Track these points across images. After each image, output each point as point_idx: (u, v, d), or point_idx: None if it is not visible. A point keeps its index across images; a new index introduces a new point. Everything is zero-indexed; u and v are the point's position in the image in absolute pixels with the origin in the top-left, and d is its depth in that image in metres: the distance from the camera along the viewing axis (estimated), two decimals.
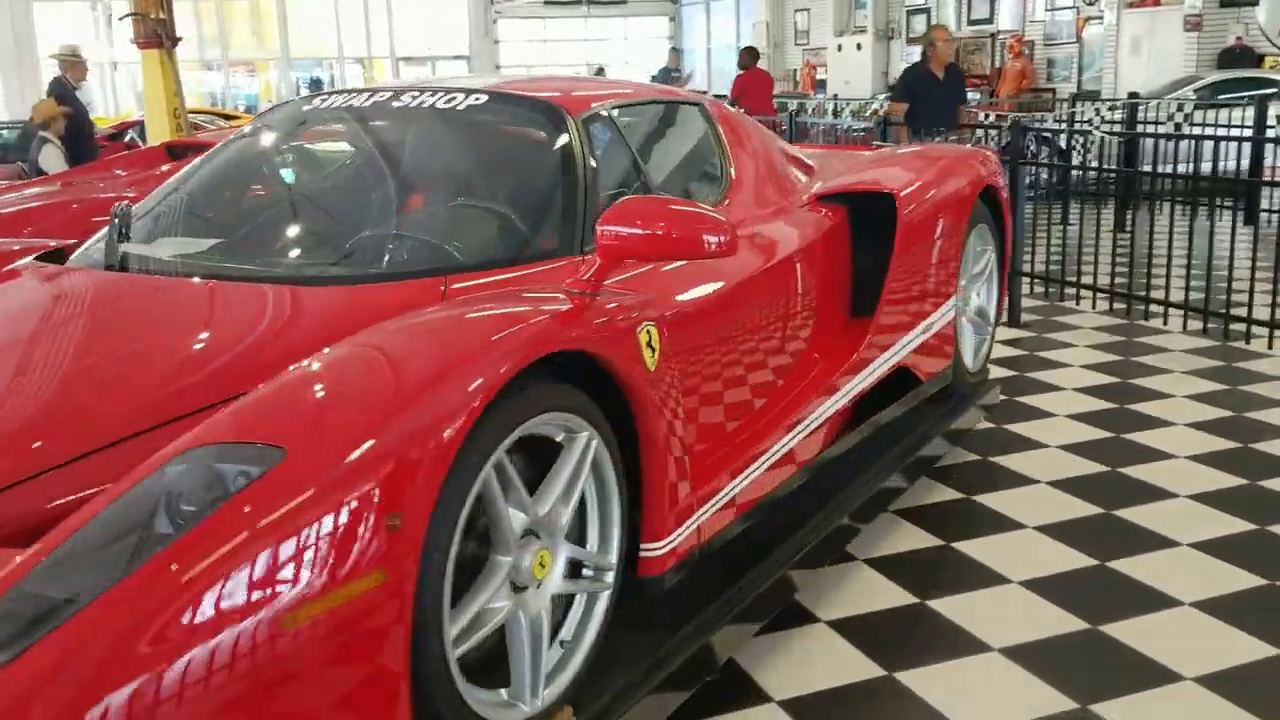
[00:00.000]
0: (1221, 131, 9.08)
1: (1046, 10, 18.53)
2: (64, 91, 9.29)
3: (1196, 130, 9.47)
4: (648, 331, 2.22)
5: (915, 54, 23.29)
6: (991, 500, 3.85)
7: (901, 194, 3.69)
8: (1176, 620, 3.04)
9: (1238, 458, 4.19)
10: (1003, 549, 3.49)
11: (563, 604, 2.24)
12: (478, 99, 2.84)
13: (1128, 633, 2.97)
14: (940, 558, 3.45)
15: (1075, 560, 3.40)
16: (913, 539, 3.57)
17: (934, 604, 3.15)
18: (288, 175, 2.90)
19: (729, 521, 2.73)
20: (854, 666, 2.85)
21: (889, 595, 3.20)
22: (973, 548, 3.50)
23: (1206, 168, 8.71)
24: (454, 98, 2.85)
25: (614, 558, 2.29)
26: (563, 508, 2.15)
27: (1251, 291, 5.77)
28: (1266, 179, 7.92)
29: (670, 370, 2.33)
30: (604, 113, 2.87)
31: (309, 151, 3.01)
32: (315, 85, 30.16)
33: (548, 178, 2.65)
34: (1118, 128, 9.84)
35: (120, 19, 8.71)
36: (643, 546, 2.35)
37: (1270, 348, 5.55)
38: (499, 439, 1.90)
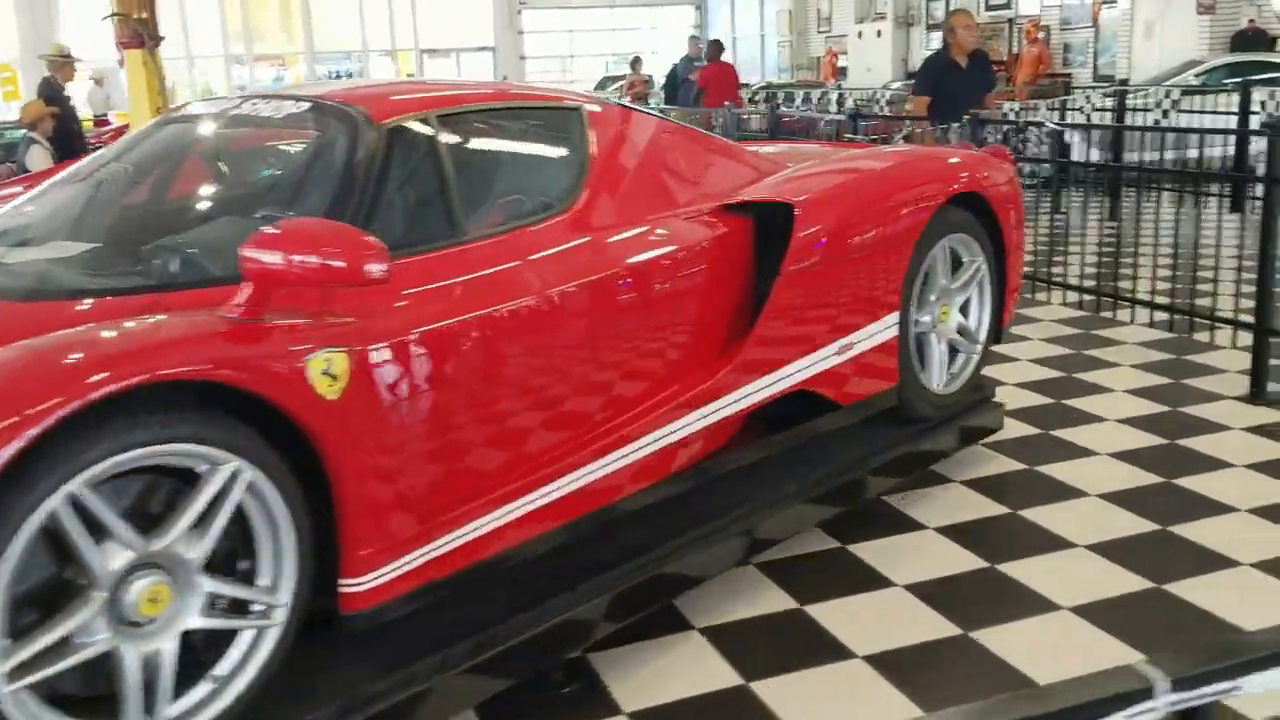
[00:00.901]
0: (1210, 120, 8.87)
1: None
2: (52, 92, 9.41)
3: (1183, 119, 9.28)
4: (327, 359, 2.12)
5: (936, 41, 23.16)
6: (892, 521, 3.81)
7: (802, 206, 3.32)
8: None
9: (1160, 454, 4.13)
10: (898, 549, 3.47)
11: (226, 637, 2.16)
12: (296, 106, 2.82)
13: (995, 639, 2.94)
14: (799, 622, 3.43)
15: (967, 562, 3.37)
16: (769, 602, 3.20)
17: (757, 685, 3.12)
18: (96, 185, 2.91)
19: (480, 558, 2.52)
20: None
21: (713, 674, 2.91)
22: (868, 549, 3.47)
23: (1212, 154, 8.59)
24: (281, 105, 2.84)
25: (286, 595, 2.17)
26: (197, 542, 2.06)
27: (1217, 284, 5.67)
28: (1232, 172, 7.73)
29: (375, 400, 2.23)
30: (414, 122, 2.74)
31: (134, 160, 3.01)
32: (335, 79, 30.35)
33: (319, 190, 2.56)
34: (1108, 117, 9.65)
35: (103, 19, 8.79)
36: (341, 582, 2.24)
37: (1225, 341, 5.44)
38: (72, 471, 1.84)
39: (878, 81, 19.97)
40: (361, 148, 2.57)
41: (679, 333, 3.09)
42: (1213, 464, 4.01)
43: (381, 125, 2.64)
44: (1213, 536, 3.45)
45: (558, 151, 3.21)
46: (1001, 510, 3.73)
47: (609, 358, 2.88)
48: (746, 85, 22.17)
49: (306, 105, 2.83)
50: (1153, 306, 5.68)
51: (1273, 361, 4.72)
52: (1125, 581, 3.21)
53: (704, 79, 13.45)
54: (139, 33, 8.49)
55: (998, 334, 4.06)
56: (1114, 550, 3.40)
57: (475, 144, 3.05)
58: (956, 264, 3.85)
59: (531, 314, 2.67)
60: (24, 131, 9.14)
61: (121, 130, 14.27)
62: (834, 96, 14.27)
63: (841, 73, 24.50)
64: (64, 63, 9.61)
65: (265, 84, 31.56)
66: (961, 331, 3.90)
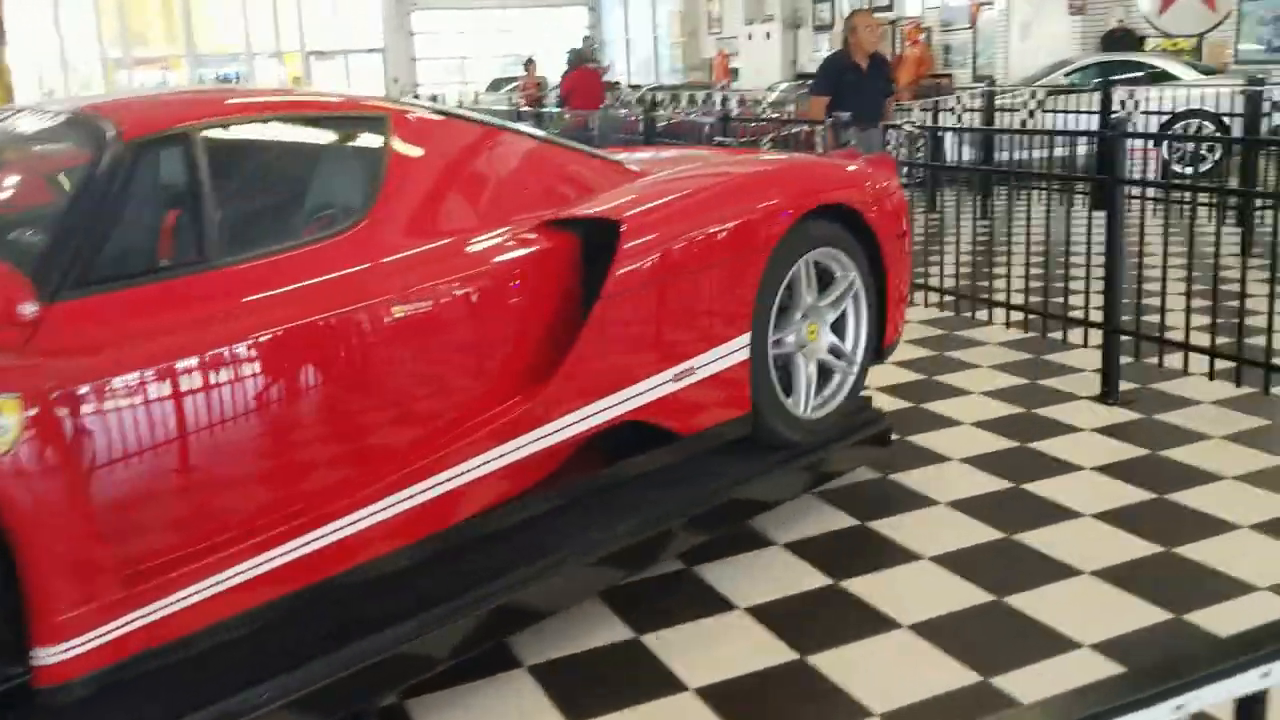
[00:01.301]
0: (1074, 121, 9.01)
1: None
2: None
3: (1049, 120, 9.44)
4: None
5: (824, 42, 23.40)
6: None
7: (629, 222, 3.04)
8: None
9: (1014, 456, 4.10)
10: (746, 569, 3.35)
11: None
12: (50, 119, 2.60)
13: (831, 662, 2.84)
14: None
15: (812, 580, 3.27)
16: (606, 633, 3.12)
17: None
18: None
19: (210, 622, 2.29)
20: None
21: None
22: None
23: (1080, 153, 8.69)
24: (37, 117, 2.61)
25: None
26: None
27: (1068, 283, 5.70)
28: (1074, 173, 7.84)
29: (61, 451, 2.03)
30: (171, 136, 2.48)
31: None
32: (223, 82, 29.51)
33: (51, 213, 2.36)
34: (979, 118, 9.76)
35: None
36: (33, 652, 2.03)
37: (1076, 341, 5.47)
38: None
39: (769, 83, 20.08)
40: (103, 166, 2.34)
41: (472, 365, 2.84)
42: (1063, 467, 3.99)
43: (131, 141, 2.39)
44: (1058, 544, 3.40)
45: (348, 164, 2.96)
46: (851, 523, 3.64)
47: (378, 394, 2.60)
48: (637, 87, 22.17)
49: (61, 118, 2.59)
50: (1009, 307, 5.67)
51: (1128, 360, 4.74)
52: (968, 595, 3.14)
53: (567, 87, 13.70)
54: None
55: (881, 351, 3.82)
56: (958, 562, 3.33)
57: (245, 159, 2.80)
58: (829, 279, 3.62)
59: (275, 347, 2.40)
60: None
61: None
62: (718, 99, 14.23)
63: (734, 74, 24.62)
64: None
65: (149, 88, 30.59)
66: (835, 351, 3.66)
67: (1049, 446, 4.19)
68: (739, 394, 3.33)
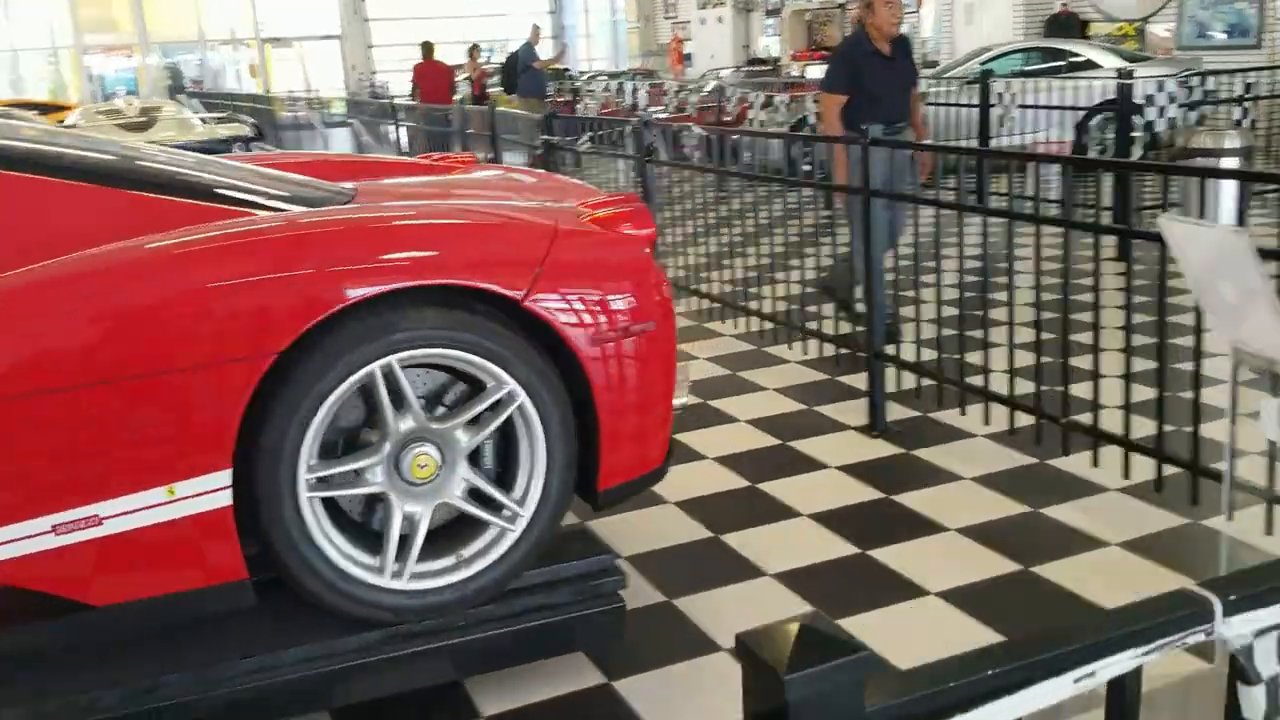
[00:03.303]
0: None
1: None
2: None
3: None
4: None
5: (773, 27, 22.91)
6: None
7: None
8: None
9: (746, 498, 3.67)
10: None
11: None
12: None
13: None
14: None
15: None
16: None
17: None
18: None
19: None
20: None
21: None
22: None
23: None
24: None
25: None
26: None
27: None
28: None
29: None
30: None
31: None
32: (174, 72, 29.10)
33: None
34: None
35: None
36: None
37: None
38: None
39: (720, 68, 19.55)
40: None
41: None
42: (791, 512, 3.56)
43: None
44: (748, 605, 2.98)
45: None
46: None
47: None
48: (585, 73, 21.66)
49: None
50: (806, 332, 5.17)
51: (910, 384, 4.31)
52: None
53: (417, 75, 14.08)
54: None
55: (595, 496, 2.67)
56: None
57: None
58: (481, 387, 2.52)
59: None
60: None
61: None
62: (629, 89, 13.68)
63: (687, 59, 24.14)
64: None
65: (113, 77, 30.14)
66: (474, 495, 2.54)
67: (789, 485, 3.76)
68: (216, 552, 2.35)
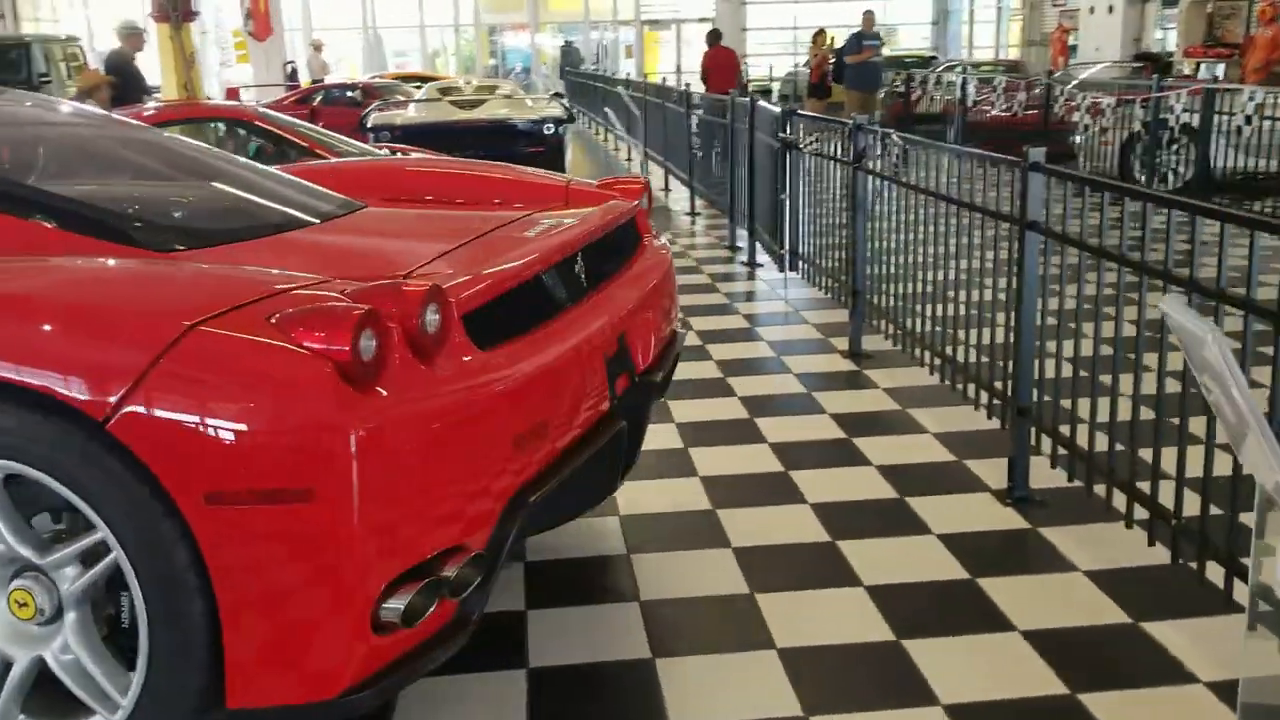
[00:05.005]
0: None
1: None
2: (120, 62, 9.95)
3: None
4: None
5: (1171, 19, 20.68)
6: None
7: None
8: None
9: None
10: None
11: None
12: None
13: None
14: None
15: None
16: None
17: None
18: None
19: None
20: None
21: None
22: None
23: None
24: None
25: None
26: None
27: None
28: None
29: None
30: None
31: None
32: (568, 49, 30.93)
33: None
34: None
35: None
36: None
37: None
38: None
39: (1108, 61, 17.94)
40: None
41: None
42: (852, 579, 3.21)
43: None
44: None
45: None
46: None
47: None
48: (936, 63, 20.63)
49: None
50: None
51: None
52: None
53: (707, 62, 14.36)
54: (165, 7, 8.78)
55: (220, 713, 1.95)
56: None
57: None
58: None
59: None
60: (83, 100, 9.72)
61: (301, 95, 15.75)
62: (957, 80, 12.83)
63: (1071, 51, 22.42)
64: (131, 34, 10.12)
65: (514, 53, 32.64)
66: (80, 670, 2.02)
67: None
68: None
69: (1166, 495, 3.07)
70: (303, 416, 1.84)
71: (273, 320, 1.91)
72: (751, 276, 7.46)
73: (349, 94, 16.70)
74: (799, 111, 6.64)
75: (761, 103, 7.30)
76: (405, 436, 1.94)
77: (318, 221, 2.91)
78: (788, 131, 6.40)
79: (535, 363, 2.31)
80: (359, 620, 1.89)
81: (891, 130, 5.13)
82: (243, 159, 3.40)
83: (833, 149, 5.79)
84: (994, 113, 11.94)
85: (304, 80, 21.45)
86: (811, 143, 5.95)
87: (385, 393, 1.93)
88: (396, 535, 1.94)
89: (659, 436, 4.31)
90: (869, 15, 14.48)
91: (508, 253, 2.61)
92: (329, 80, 21.06)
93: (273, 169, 3.44)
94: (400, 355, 1.99)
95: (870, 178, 5.22)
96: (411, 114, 11.15)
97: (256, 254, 2.49)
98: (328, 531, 1.86)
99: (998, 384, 4.00)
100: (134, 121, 3.44)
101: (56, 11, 27.82)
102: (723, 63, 14.27)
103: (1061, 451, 3.57)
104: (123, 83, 9.82)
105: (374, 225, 3.03)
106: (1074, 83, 12.38)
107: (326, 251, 2.64)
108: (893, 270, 5.14)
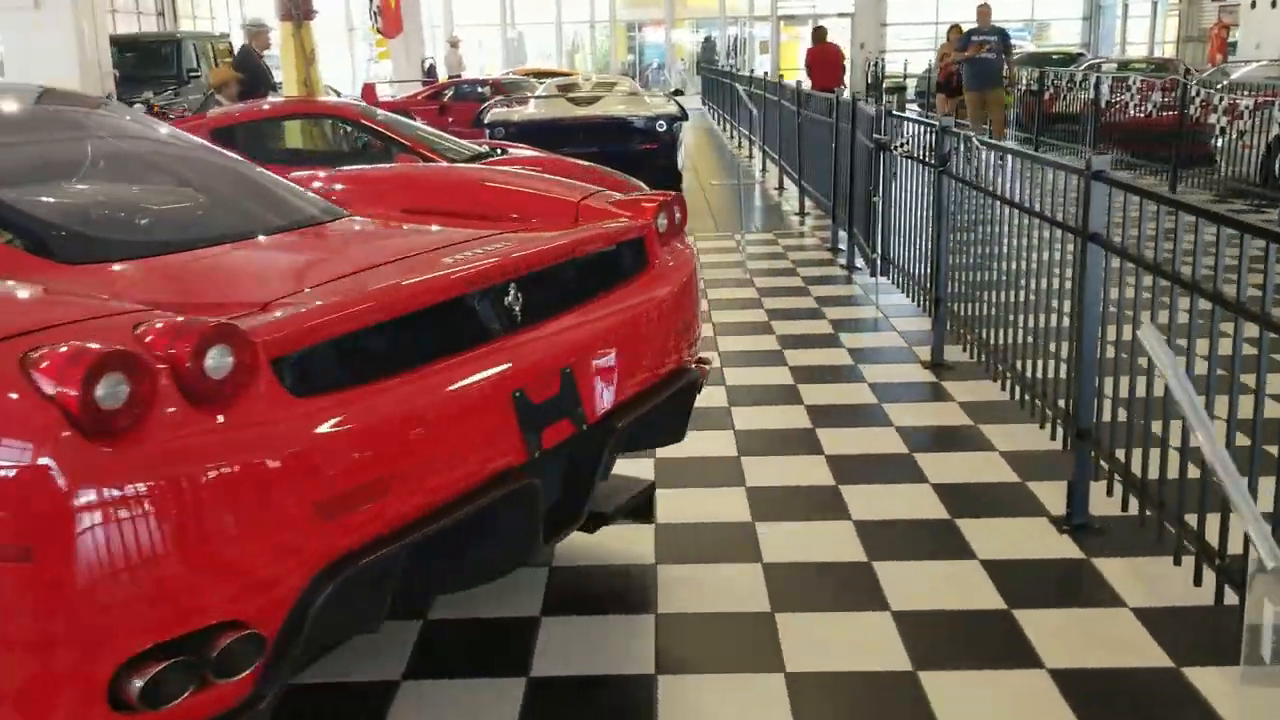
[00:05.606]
0: None
1: None
2: (248, 59, 10.32)
3: None
4: None
5: None
6: None
7: None
8: None
9: None
10: None
11: None
12: None
13: None
14: None
15: None
16: None
17: None
18: None
19: None
20: None
21: None
22: None
23: None
24: None
25: None
26: None
27: None
28: None
29: None
30: None
31: None
32: (708, 44, 30.77)
33: None
34: None
35: None
36: None
37: None
38: None
39: (1270, 59, 16.90)
40: None
41: None
42: (879, 603, 3.08)
43: None
44: None
45: None
46: None
47: None
48: (1085, 58, 19.77)
49: None
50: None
51: None
52: None
53: (810, 59, 14.44)
54: (287, 5, 9.07)
55: None
56: None
57: None
58: None
59: None
60: (213, 95, 10.14)
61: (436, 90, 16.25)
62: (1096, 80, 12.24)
63: (1231, 48, 21.26)
64: (258, 32, 10.50)
65: (651, 49, 32.77)
66: None
67: None
68: None
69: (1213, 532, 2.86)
70: (22, 467, 1.64)
71: (25, 358, 1.69)
72: (849, 281, 7.28)
73: (479, 90, 16.99)
74: (893, 112, 6.43)
75: (860, 103, 7.11)
76: (157, 496, 1.70)
77: (263, 236, 2.72)
78: (883, 132, 6.21)
79: (374, 412, 2.00)
80: (90, 696, 1.70)
81: (973, 133, 4.90)
82: (246, 163, 3.29)
83: (922, 151, 5.59)
84: (1131, 113, 11.39)
85: (441, 76, 21.93)
86: (902, 144, 5.75)
87: (138, 445, 1.70)
88: (140, 605, 1.71)
89: (713, 444, 4.24)
90: (983, 9, 13.57)
91: (396, 282, 2.30)
92: (462, 76, 21.50)
93: (271, 174, 3.25)
94: (169, 402, 1.75)
95: (952, 181, 5.02)
96: (529, 110, 11.25)
97: (135, 273, 2.34)
98: (47, 595, 1.66)
99: (1061, 403, 3.79)
100: (134, 122, 3.39)
101: (213, 9, 29.11)
102: (827, 59, 14.30)
103: (1118, 478, 3.36)
104: (250, 79, 10.20)
105: (317, 241, 2.81)
106: (1224, 82, 11.69)
107: (212, 275, 2.45)
108: (974, 278, 4.93)
